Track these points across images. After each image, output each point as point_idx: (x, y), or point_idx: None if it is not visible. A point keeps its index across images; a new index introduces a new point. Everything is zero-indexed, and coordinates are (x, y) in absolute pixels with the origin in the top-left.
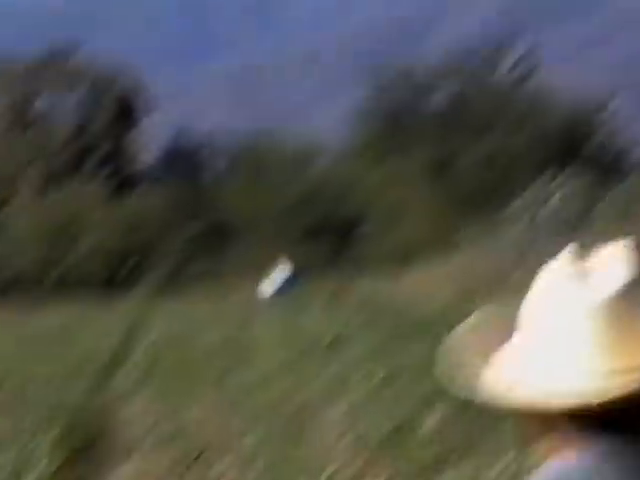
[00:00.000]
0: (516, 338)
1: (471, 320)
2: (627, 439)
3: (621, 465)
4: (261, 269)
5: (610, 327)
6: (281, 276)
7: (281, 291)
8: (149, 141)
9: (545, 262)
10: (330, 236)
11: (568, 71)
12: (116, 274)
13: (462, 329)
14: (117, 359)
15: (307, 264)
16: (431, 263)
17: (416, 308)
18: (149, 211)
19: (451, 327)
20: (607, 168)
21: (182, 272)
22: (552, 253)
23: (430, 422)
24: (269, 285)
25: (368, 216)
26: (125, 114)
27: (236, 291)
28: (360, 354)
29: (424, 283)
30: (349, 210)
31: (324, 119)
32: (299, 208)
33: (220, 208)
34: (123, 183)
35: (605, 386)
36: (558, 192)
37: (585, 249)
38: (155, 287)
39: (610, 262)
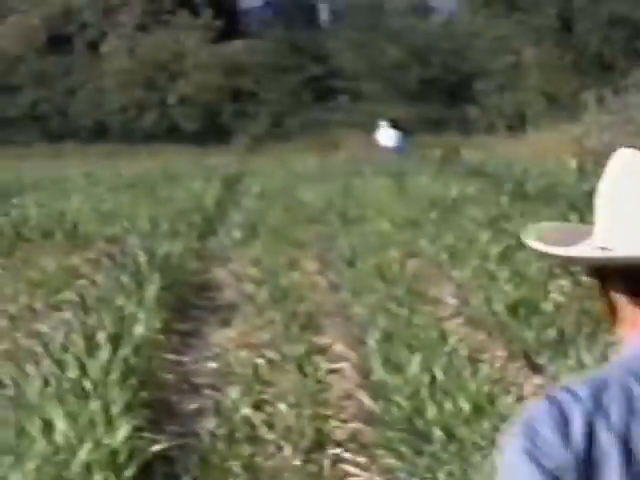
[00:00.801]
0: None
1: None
2: None
3: None
4: (369, 126)
5: None
6: (389, 135)
7: (391, 150)
8: None
9: None
10: (442, 95)
11: None
12: (215, 122)
13: (540, 226)
14: (217, 215)
15: (418, 124)
16: (551, 126)
17: (536, 174)
18: (254, 56)
19: (580, 194)
20: None
21: (285, 123)
22: None
23: (551, 299)
24: (380, 141)
25: (485, 74)
26: None
27: (343, 146)
28: (480, 219)
29: (544, 146)
30: (466, 66)
31: None
32: (411, 63)
33: (329, 58)
34: (230, 23)
35: None
36: None
37: None
38: (258, 137)
39: None
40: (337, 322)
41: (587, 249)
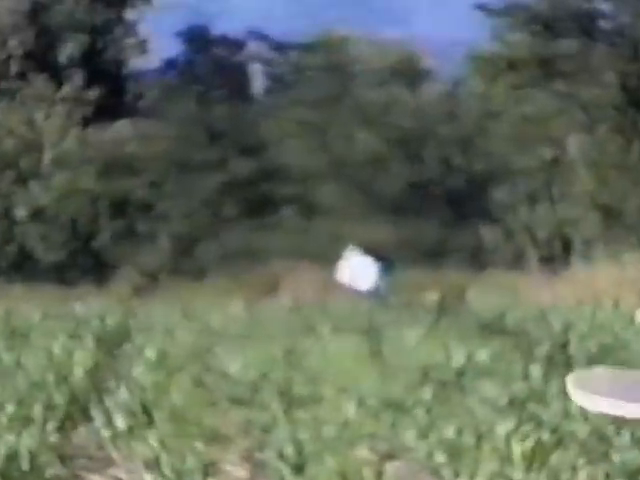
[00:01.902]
0: None
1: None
2: None
3: None
4: (328, 255)
5: None
6: (361, 269)
7: (364, 292)
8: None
9: None
10: (440, 207)
11: None
12: (87, 248)
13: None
14: (91, 392)
15: (402, 252)
16: (610, 257)
17: (586, 329)
18: (149, 145)
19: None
20: None
21: (195, 250)
22: None
23: None
24: (346, 278)
25: (508, 176)
26: None
27: (286, 287)
28: (497, 400)
29: (598, 287)
30: (478, 163)
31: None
32: (393, 157)
33: (266, 148)
34: (111, 94)
35: None
36: None
37: None
38: (153, 271)
39: None
40: None
41: None
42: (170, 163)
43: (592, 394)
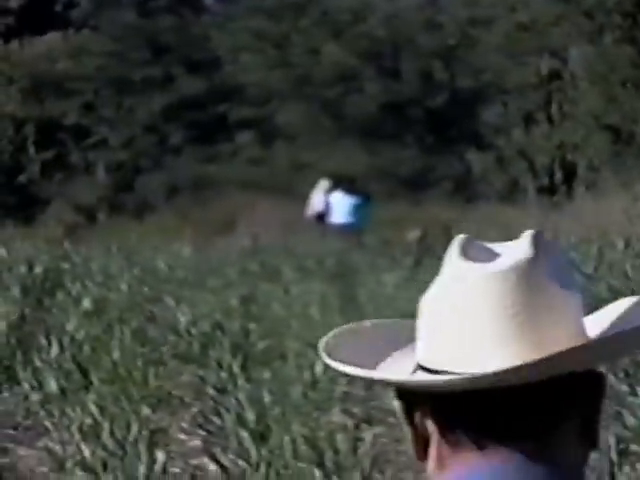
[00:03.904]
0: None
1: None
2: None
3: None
4: (293, 187)
5: (507, 302)
6: (334, 202)
7: (338, 228)
8: None
9: None
10: (422, 132)
11: None
12: (11, 182)
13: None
14: (16, 349)
15: (379, 183)
16: (619, 185)
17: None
18: (82, 59)
19: None
20: None
21: (137, 182)
22: None
23: None
24: (315, 213)
25: (501, 94)
26: None
27: (244, 223)
28: None
29: (606, 219)
30: (465, 78)
31: None
32: (367, 71)
33: (219, 64)
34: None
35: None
36: None
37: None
38: (87, 207)
39: (509, 245)
40: None
41: (397, 367)
42: (107, 82)
43: (337, 360)
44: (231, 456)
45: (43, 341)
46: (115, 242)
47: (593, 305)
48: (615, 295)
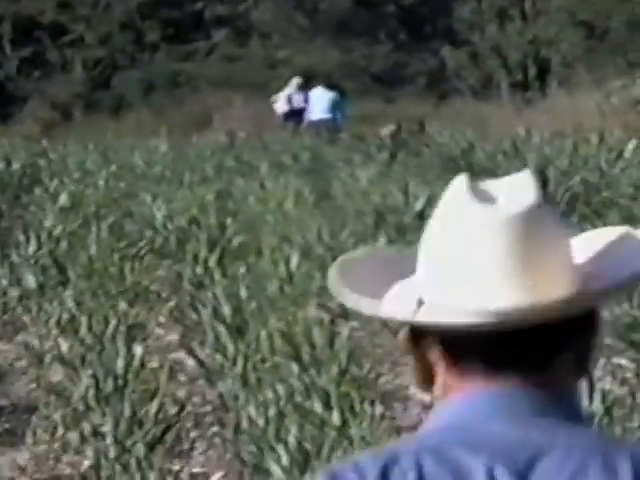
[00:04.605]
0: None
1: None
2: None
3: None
4: (266, 84)
5: (514, 249)
6: (311, 98)
7: (315, 124)
8: None
9: None
10: (394, 26)
11: None
12: None
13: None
14: None
15: (352, 79)
16: (593, 82)
17: (566, 163)
18: None
19: None
20: None
21: (112, 80)
22: None
23: None
24: (285, 108)
25: None
26: None
27: (219, 120)
28: None
29: (579, 115)
30: None
31: None
32: None
33: None
34: None
35: (508, 305)
36: None
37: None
38: (61, 105)
39: (512, 187)
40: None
41: (402, 303)
42: None
43: (351, 291)
44: (208, 350)
45: (21, 237)
46: (92, 139)
47: (568, 197)
48: (589, 190)
